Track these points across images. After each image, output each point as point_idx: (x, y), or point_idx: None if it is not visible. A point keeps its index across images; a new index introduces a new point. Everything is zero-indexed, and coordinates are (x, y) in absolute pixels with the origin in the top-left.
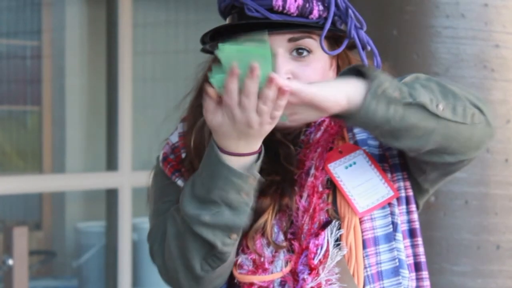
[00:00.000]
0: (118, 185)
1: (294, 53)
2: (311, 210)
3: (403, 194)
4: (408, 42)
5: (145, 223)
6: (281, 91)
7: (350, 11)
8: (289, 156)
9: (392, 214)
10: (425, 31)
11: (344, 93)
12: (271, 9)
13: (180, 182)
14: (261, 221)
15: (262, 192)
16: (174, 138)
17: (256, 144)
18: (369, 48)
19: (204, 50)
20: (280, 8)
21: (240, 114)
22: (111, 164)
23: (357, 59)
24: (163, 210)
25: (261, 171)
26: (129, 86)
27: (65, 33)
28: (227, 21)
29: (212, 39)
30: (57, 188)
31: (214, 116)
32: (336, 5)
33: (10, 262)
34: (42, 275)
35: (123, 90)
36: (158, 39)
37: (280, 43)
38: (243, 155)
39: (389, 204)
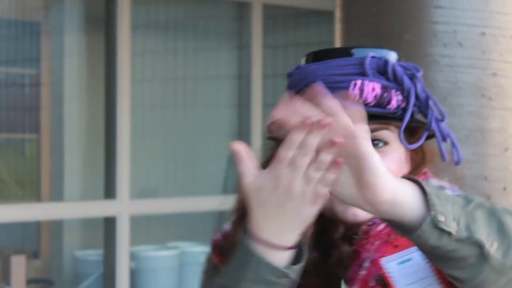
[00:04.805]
0: (116, 213)
1: None
2: None
3: None
4: None
5: (142, 251)
6: (335, 162)
7: (430, 102)
8: (341, 261)
9: None
10: (422, 60)
11: (393, 190)
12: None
13: None
14: None
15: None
16: (228, 226)
17: (288, 233)
18: (448, 140)
19: (270, 138)
20: (357, 98)
21: (286, 174)
22: (109, 192)
23: (432, 151)
24: None
25: (304, 271)
26: (127, 114)
27: (63, 61)
28: None
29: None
30: (55, 216)
31: (256, 178)
32: (416, 95)
33: None
34: None
35: (121, 118)
36: (157, 67)
37: None
38: (274, 246)
39: None
